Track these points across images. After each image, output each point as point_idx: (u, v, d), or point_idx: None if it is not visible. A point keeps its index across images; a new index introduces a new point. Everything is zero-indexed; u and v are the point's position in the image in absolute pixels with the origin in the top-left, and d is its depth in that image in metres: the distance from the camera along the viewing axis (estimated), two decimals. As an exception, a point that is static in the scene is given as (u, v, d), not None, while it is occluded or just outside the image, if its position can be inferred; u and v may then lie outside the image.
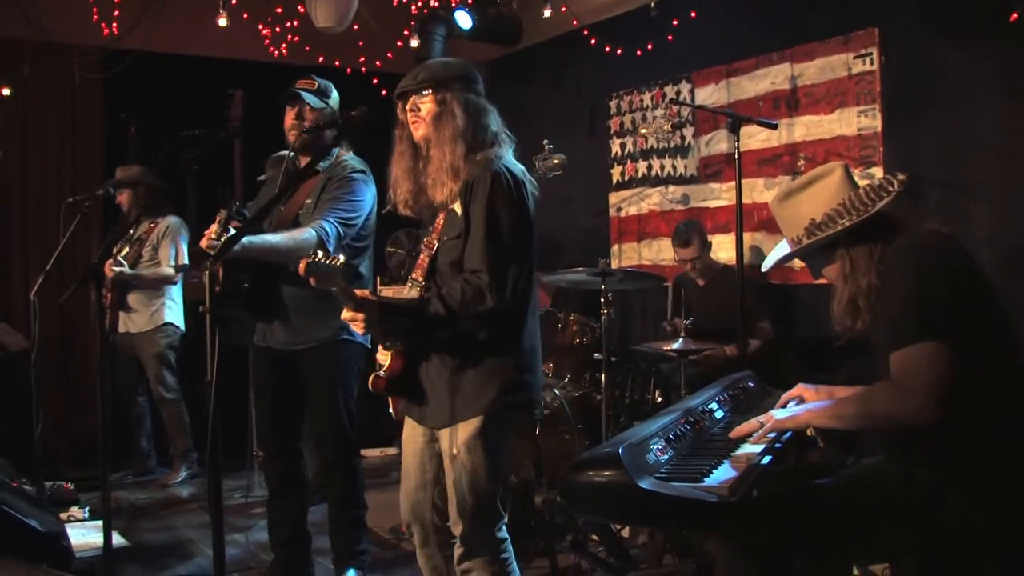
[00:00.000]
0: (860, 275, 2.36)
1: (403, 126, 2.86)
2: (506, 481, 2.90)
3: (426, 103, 2.77)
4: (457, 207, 2.75)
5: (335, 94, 3.93)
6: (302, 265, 2.51)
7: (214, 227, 3.35)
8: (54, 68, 6.43)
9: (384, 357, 2.86)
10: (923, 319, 2.15)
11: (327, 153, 3.77)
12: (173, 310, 6.06)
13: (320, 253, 2.52)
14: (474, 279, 2.65)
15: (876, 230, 2.37)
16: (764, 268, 2.73)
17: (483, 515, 2.78)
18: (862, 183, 2.45)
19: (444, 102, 2.75)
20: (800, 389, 2.75)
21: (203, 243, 3.27)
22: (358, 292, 2.64)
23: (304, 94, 3.80)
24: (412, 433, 2.95)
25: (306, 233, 3.53)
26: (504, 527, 2.86)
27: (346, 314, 2.64)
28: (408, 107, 2.80)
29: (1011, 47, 4.25)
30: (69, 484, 5.41)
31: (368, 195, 3.76)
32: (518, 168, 2.79)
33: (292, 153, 3.78)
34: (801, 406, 2.54)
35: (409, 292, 2.82)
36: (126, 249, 5.84)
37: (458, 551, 2.81)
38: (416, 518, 2.94)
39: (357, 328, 2.66)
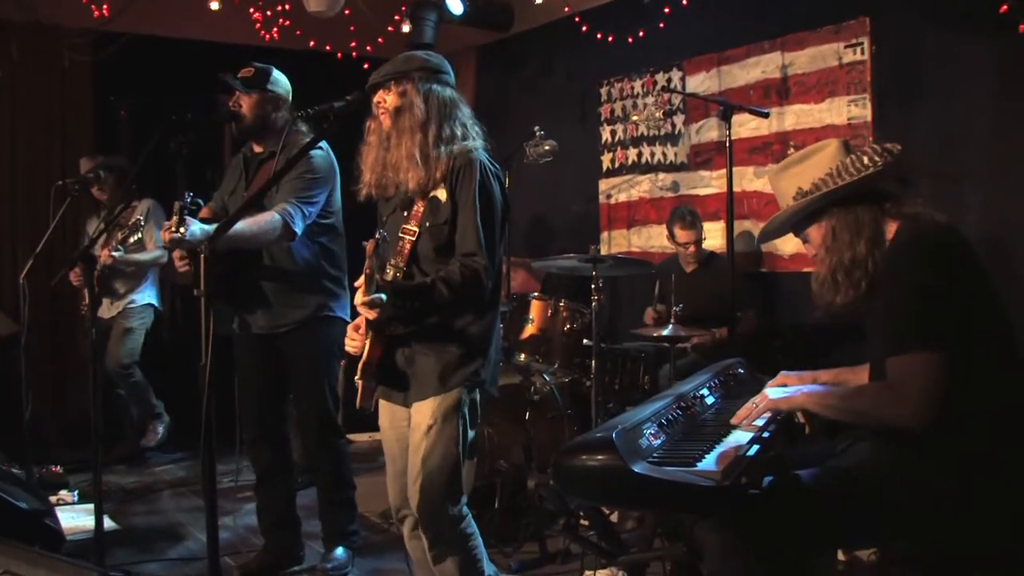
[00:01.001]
0: (843, 246, 2.35)
1: (375, 117, 2.92)
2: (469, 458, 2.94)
3: (390, 96, 2.84)
4: (441, 194, 2.81)
5: (277, 76, 3.90)
6: (370, 245, 2.56)
7: (174, 219, 3.35)
8: (43, 50, 6.39)
9: (356, 334, 2.86)
10: (925, 328, 2.16)
11: (284, 135, 3.79)
12: (153, 292, 6.07)
13: (381, 236, 2.58)
14: (470, 262, 2.72)
15: (864, 199, 2.36)
16: (757, 243, 2.73)
17: (448, 490, 2.82)
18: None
19: (404, 94, 2.83)
20: (783, 378, 2.76)
21: (164, 236, 3.27)
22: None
23: (235, 82, 3.81)
24: (393, 419, 2.99)
25: (271, 217, 3.55)
26: (466, 504, 2.91)
27: (362, 299, 2.63)
28: (375, 100, 2.87)
29: (1002, 38, 4.27)
30: (58, 468, 5.40)
31: (328, 171, 3.79)
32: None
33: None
34: (796, 387, 2.55)
35: (391, 278, 2.84)
36: (120, 234, 5.82)
37: (425, 534, 2.85)
38: (407, 501, 2.95)
39: (370, 313, 2.65)
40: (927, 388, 2.12)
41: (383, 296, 2.61)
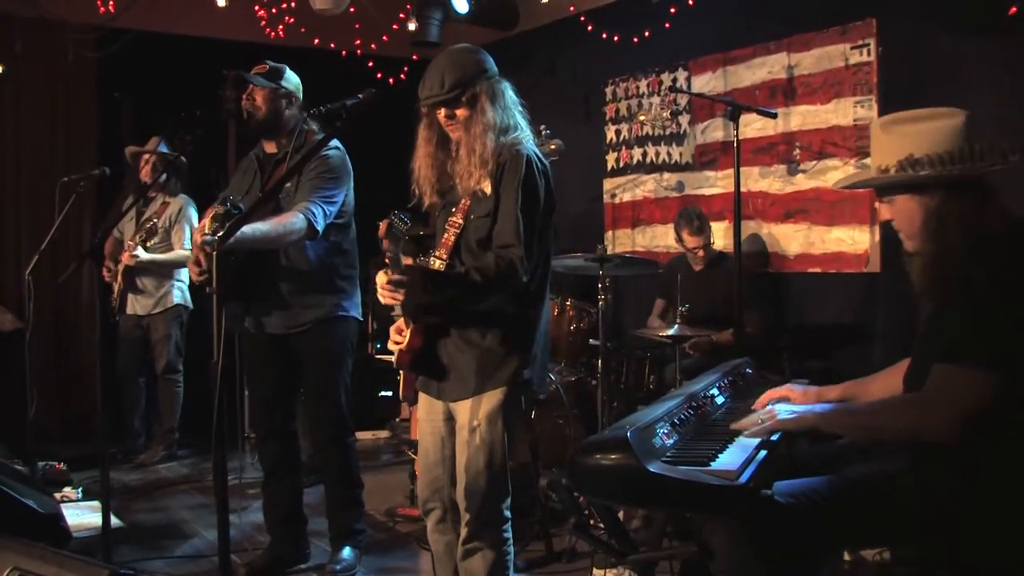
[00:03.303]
0: (951, 235, 2.21)
1: (430, 126, 2.91)
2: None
3: (460, 109, 2.81)
4: (486, 187, 2.81)
5: (290, 75, 3.92)
6: (383, 227, 2.56)
7: (206, 222, 3.37)
8: (47, 46, 6.38)
9: (399, 336, 2.89)
10: (990, 347, 2.09)
11: (297, 134, 3.80)
12: (183, 291, 6.09)
13: (396, 216, 2.57)
14: (506, 254, 2.71)
15: (973, 193, 2.24)
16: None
17: (497, 489, 2.84)
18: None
19: (474, 102, 2.80)
20: (787, 390, 2.73)
21: (196, 238, 3.29)
22: (404, 260, 2.68)
23: (250, 76, 3.81)
24: (430, 410, 2.99)
25: (295, 217, 3.55)
26: (509, 507, 2.91)
27: (384, 279, 2.63)
28: (444, 115, 2.83)
29: (1009, 40, 4.27)
30: (62, 464, 5.40)
31: (345, 171, 3.80)
32: (542, 154, 2.86)
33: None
34: (806, 407, 2.46)
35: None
36: (132, 228, 5.81)
37: (466, 528, 2.85)
38: (435, 494, 2.98)
39: (395, 296, 2.64)
40: (971, 407, 2.07)
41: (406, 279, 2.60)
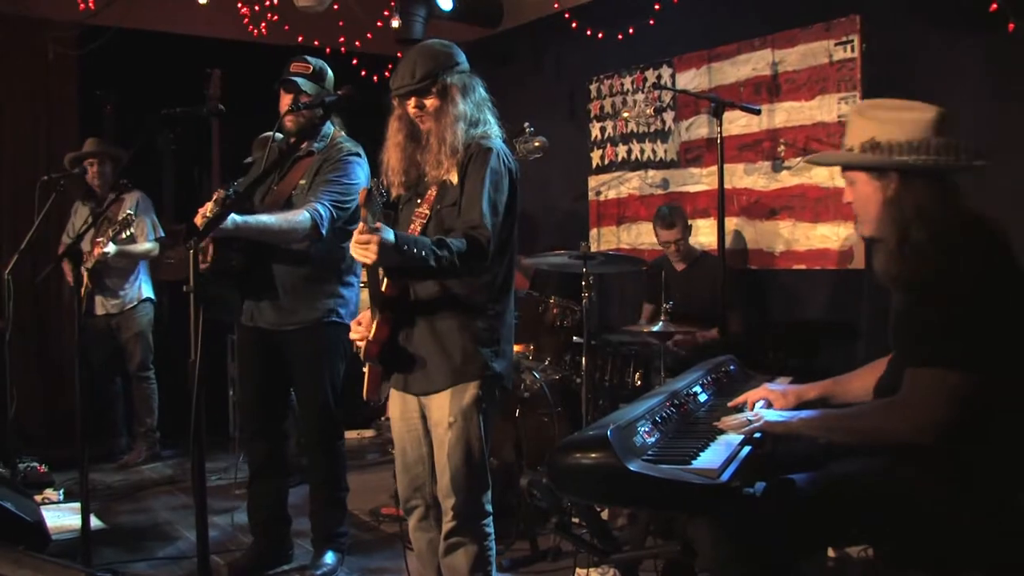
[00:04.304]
0: (911, 226, 2.23)
1: (401, 117, 2.90)
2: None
3: (430, 99, 2.82)
4: (453, 177, 2.82)
5: (330, 74, 3.90)
6: (363, 194, 2.53)
7: (209, 205, 3.34)
8: (28, 43, 6.31)
9: (359, 332, 2.88)
10: (959, 348, 2.10)
11: (316, 133, 3.75)
12: (148, 285, 6.05)
13: (376, 183, 2.56)
14: (473, 234, 2.71)
15: (931, 187, 2.27)
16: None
17: (477, 484, 2.84)
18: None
19: (444, 93, 2.81)
20: (765, 392, 2.73)
21: (198, 220, 3.25)
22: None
23: (300, 81, 3.76)
24: (404, 408, 2.98)
25: (301, 215, 3.53)
26: (490, 501, 2.91)
27: (360, 236, 2.54)
28: (414, 105, 2.83)
29: (992, 36, 4.27)
30: (43, 466, 5.35)
31: (362, 177, 3.76)
32: (510, 151, 2.87)
33: (277, 133, 3.75)
34: (793, 414, 2.48)
35: None
36: (111, 230, 5.77)
37: (448, 524, 2.84)
38: (416, 492, 2.98)
39: (368, 253, 2.52)
40: (947, 409, 2.09)
41: (379, 234, 2.53)
